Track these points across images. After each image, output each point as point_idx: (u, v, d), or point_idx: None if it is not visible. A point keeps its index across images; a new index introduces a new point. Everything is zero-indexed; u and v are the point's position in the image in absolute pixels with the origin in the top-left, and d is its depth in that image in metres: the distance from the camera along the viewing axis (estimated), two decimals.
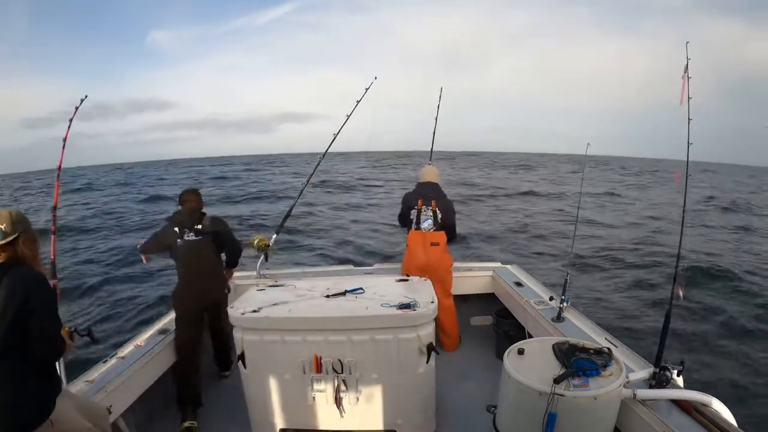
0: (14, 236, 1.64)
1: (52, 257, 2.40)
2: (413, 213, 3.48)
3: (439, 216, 3.45)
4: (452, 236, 3.59)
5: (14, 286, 1.57)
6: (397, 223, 3.76)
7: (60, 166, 2.72)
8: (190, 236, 2.92)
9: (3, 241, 1.62)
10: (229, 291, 3.25)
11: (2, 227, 1.62)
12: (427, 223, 3.45)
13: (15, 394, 1.59)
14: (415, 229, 3.46)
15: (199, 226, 2.95)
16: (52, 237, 2.49)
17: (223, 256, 3.21)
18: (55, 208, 2.62)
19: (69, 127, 2.74)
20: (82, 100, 2.82)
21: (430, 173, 3.64)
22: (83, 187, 27.24)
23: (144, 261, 3.19)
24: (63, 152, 2.73)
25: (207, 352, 3.28)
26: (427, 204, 3.46)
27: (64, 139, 2.73)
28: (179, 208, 3.06)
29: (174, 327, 2.96)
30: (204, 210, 3.10)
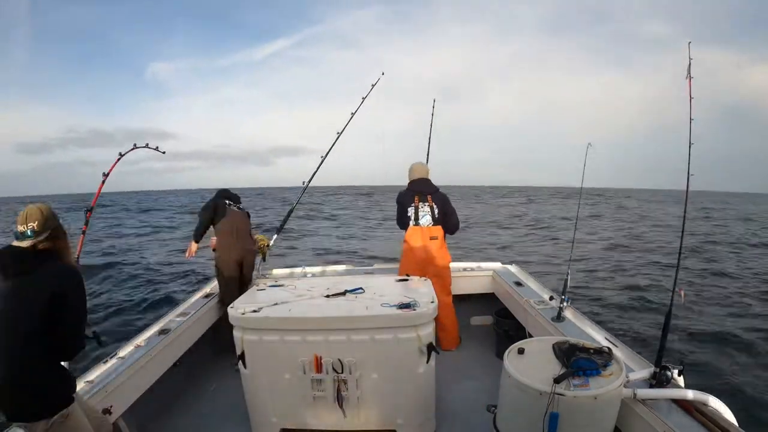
0: (47, 234, 1.70)
1: (77, 255, 2.42)
2: (411, 210, 3.49)
3: (436, 211, 3.46)
4: (454, 228, 3.59)
5: (53, 276, 1.65)
6: (396, 226, 3.74)
7: (109, 171, 2.76)
8: (234, 208, 3.79)
9: (35, 240, 1.67)
10: (256, 255, 3.98)
11: (34, 225, 1.67)
12: (425, 219, 3.46)
13: (46, 377, 1.67)
14: (414, 225, 3.47)
15: (241, 205, 3.90)
16: (82, 237, 2.52)
17: None
18: (92, 209, 2.64)
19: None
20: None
21: (420, 170, 3.63)
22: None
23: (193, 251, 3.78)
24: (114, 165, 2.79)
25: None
26: (423, 200, 3.48)
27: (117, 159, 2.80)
28: (220, 201, 3.78)
29: (216, 296, 3.60)
30: None
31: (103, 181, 2.68)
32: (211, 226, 3.72)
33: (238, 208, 3.85)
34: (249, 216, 3.96)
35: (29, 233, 1.67)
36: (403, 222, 3.59)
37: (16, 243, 1.69)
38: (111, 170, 2.72)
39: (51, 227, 1.73)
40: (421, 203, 3.47)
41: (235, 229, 3.69)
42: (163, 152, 3.12)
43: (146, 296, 7.53)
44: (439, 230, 3.46)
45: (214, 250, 3.70)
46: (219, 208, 3.72)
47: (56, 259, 1.72)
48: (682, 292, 1.99)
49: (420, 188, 3.53)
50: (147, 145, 3.01)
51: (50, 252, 1.71)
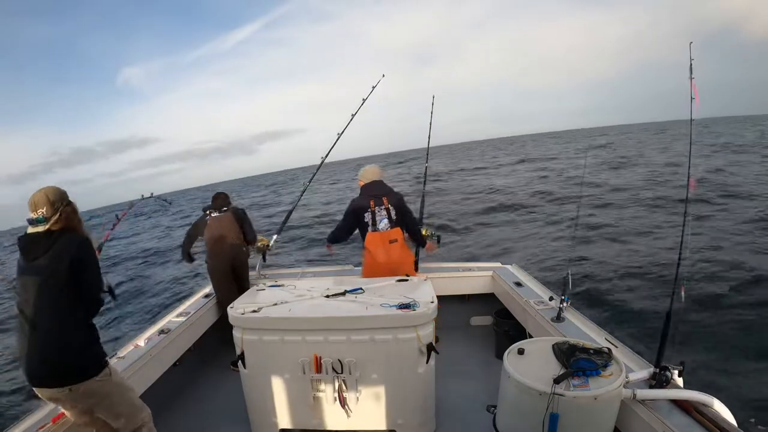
0: (57, 216, 1.83)
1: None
2: (367, 216, 3.33)
3: (393, 212, 3.33)
4: (416, 230, 3.51)
5: (68, 246, 1.81)
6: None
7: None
8: (215, 214, 3.78)
9: (47, 226, 1.81)
10: (249, 255, 3.92)
11: (43, 211, 1.81)
12: (383, 223, 3.32)
13: (86, 341, 1.85)
14: (372, 230, 3.32)
15: (225, 208, 3.82)
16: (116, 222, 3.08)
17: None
18: (101, 246, 2.86)
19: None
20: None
21: (372, 172, 3.49)
22: None
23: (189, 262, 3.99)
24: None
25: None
26: (379, 204, 3.33)
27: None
28: (200, 215, 3.89)
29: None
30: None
31: (114, 226, 3.28)
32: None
33: (221, 211, 3.82)
34: (240, 213, 3.90)
35: (41, 219, 1.80)
36: (339, 236, 3.47)
37: (31, 229, 1.82)
38: (122, 218, 3.32)
39: (59, 208, 1.83)
40: (377, 207, 3.33)
41: (217, 237, 3.70)
42: (170, 202, 3.82)
43: None
44: (397, 232, 3.33)
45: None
46: (199, 223, 3.82)
47: (70, 231, 1.85)
48: (682, 292, 1.98)
49: (373, 191, 3.38)
50: (152, 194, 3.81)
51: (64, 229, 1.83)
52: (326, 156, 4.38)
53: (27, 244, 1.82)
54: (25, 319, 1.77)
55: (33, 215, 1.80)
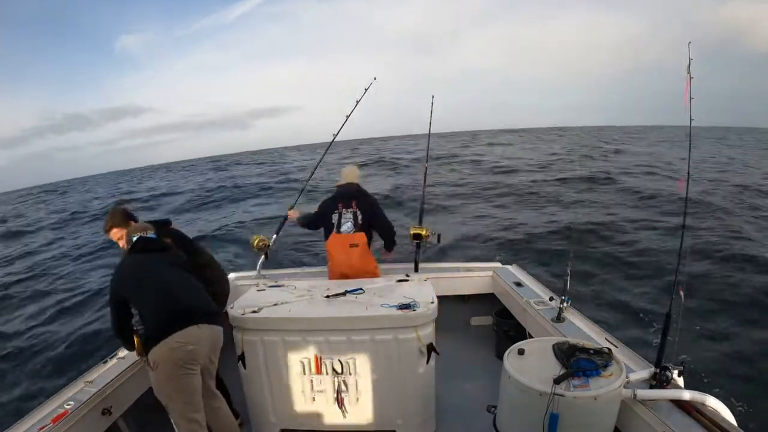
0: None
1: None
2: (335, 217, 3.31)
3: (360, 217, 3.28)
4: (388, 237, 3.45)
5: (177, 250, 2.46)
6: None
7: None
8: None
9: (161, 239, 2.45)
10: None
11: (153, 232, 2.39)
12: (346, 226, 3.28)
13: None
14: (336, 232, 3.30)
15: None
16: None
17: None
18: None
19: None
20: None
21: (350, 174, 3.47)
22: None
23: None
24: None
25: None
26: (347, 206, 3.30)
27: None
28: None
29: None
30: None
31: None
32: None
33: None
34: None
35: (153, 235, 2.37)
36: (312, 225, 3.49)
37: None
38: None
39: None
40: (345, 209, 3.31)
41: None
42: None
43: None
44: (360, 237, 3.27)
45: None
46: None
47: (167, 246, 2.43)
48: (682, 292, 1.98)
49: (344, 193, 3.35)
50: None
51: (162, 242, 2.42)
52: (321, 159, 4.42)
53: (149, 244, 2.34)
54: (170, 283, 2.24)
55: (142, 234, 2.34)
